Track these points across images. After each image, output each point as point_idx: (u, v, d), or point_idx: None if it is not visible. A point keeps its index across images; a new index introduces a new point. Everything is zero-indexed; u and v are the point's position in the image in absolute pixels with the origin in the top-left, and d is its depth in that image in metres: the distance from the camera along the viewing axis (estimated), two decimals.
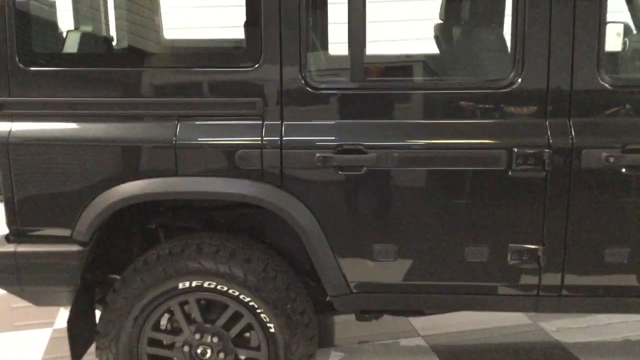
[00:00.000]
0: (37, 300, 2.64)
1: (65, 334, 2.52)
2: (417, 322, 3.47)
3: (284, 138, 2.37)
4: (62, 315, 3.53)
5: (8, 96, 2.41)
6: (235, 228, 2.75)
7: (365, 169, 2.37)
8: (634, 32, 2.81)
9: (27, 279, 2.49)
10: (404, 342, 3.30)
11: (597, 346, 3.31)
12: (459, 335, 3.36)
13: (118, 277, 2.60)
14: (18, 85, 2.40)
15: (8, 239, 2.52)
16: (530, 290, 2.47)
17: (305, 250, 2.46)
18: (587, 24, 2.30)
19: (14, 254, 2.45)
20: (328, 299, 2.54)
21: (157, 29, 3.23)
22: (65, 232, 2.45)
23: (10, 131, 2.40)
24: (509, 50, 2.40)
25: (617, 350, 3.27)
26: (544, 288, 2.46)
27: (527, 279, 2.45)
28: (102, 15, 3.12)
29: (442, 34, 3.04)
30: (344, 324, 3.50)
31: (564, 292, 2.47)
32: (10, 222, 2.46)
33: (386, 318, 2.84)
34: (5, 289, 2.57)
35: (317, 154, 2.36)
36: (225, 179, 2.39)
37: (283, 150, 2.37)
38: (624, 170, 2.34)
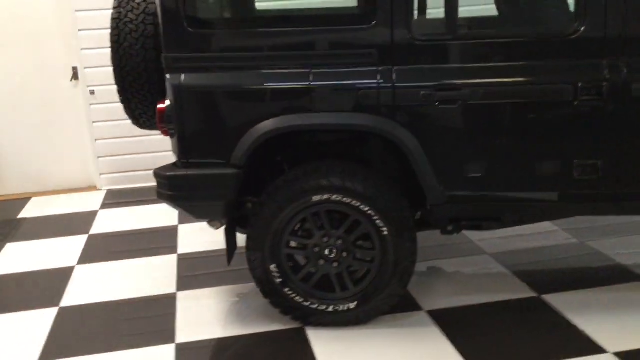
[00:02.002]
0: (200, 214, 3.38)
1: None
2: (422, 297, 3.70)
3: (394, 80, 3.04)
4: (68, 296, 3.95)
5: (180, 53, 3.13)
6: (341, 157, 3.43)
7: (459, 102, 3.03)
8: None
9: (195, 195, 3.23)
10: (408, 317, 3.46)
11: None
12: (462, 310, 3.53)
13: (252, 198, 3.30)
14: (187, 44, 3.12)
15: (177, 165, 3.26)
16: (591, 197, 3.11)
17: (401, 175, 3.12)
18: None
19: (187, 176, 3.19)
20: (428, 207, 3.21)
21: None
22: (224, 160, 3.17)
23: (181, 81, 3.12)
24: (571, 5, 3.01)
25: None
26: (601, 195, 3.10)
27: (588, 188, 3.09)
28: None
29: None
30: None
31: (618, 198, 3.10)
32: (181, 153, 3.19)
33: None
34: (177, 205, 3.31)
35: (422, 92, 3.03)
36: (351, 114, 3.07)
37: (394, 90, 3.05)
38: None
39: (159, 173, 3.29)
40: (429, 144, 3.09)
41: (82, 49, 5.83)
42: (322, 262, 3.30)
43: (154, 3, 3.47)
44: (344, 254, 3.28)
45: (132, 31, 3.41)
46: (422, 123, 3.08)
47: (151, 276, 4.13)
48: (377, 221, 3.18)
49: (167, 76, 3.16)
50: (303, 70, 3.10)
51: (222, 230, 3.46)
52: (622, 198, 3.12)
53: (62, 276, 4.21)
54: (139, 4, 3.45)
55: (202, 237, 4.68)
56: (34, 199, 5.93)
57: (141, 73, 3.44)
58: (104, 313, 3.71)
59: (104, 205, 5.64)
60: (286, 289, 3.32)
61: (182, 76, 3.14)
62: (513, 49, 3.03)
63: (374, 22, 3.03)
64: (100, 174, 6.15)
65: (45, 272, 4.31)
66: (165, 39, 3.13)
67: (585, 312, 3.37)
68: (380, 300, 3.30)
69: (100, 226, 5.12)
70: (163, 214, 5.18)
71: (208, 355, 3.26)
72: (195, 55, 3.14)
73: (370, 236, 3.25)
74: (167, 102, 3.20)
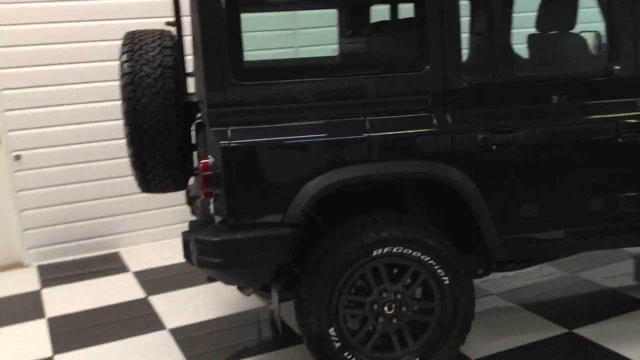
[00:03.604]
0: (246, 280, 3.08)
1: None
2: None
3: (451, 125, 3.00)
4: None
5: (226, 107, 2.88)
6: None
7: (515, 145, 3.05)
8: None
9: (246, 260, 2.94)
10: None
11: None
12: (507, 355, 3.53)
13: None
14: (233, 98, 2.87)
15: (220, 229, 2.95)
16: (636, 228, 3.24)
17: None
18: None
19: (238, 240, 2.90)
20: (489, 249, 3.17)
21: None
22: (278, 219, 2.92)
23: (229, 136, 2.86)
24: (606, 48, 3.17)
25: None
26: None
27: (632, 219, 3.22)
28: None
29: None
30: None
31: None
32: (230, 214, 2.90)
33: None
34: (224, 273, 2.99)
35: (480, 136, 3.02)
36: (411, 161, 2.98)
37: (452, 135, 3.00)
38: None
39: (202, 239, 2.96)
40: (486, 187, 3.06)
41: (5, 110, 5.22)
42: (381, 319, 3.11)
43: (170, 55, 3.20)
44: (403, 309, 3.13)
45: (150, 86, 3.11)
46: (479, 167, 3.06)
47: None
48: (439, 270, 3.08)
49: (212, 132, 2.88)
50: (357, 119, 2.96)
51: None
52: None
53: None
54: (154, 56, 3.17)
55: (182, 305, 4.32)
56: None
57: (161, 131, 3.13)
58: None
59: (45, 283, 4.99)
60: (346, 353, 3.09)
61: (229, 132, 2.88)
62: (561, 89, 3.12)
63: (427, 67, 2.99)
64: (28, 249, 5.46)
65: None
66: (209, 93, 2.87)
67: (624, 341, 3.46)
68: (442, 353, 3.17)
69: (55, 307, 4.51)
70: (122, 287, 4.75)
71: None
72: (243, 108, 2.90)
73: (430, 287, 3.13)
74: (210, 160, 2.91)
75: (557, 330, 3.66)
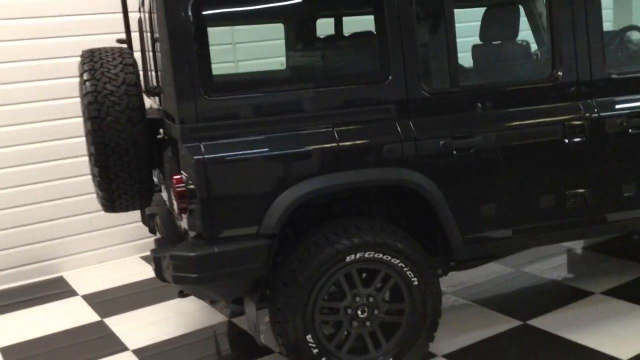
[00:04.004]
0: (223, 294, 3.10)
1: None
2: None
3: (415, 133, 3.15)
4: None
5: (197, 123, 2.91)
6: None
7: (473, 149, 3.23)
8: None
9: (225, 273, 2.97)
10: None
11: None
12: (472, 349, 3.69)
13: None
14: (205, 113, 2.91)
15: (195, 243, 2.97)
16: (581, 222, 3.48)
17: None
18: (596, 37, 3.39)
19: (217, 254, 2.92)
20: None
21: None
22: (253, 231, 2.97)
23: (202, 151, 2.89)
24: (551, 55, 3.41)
25: None
26: (591, 220, 3.49)
27: (578, 214, 3.46)
28: None
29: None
30: None
31: (602, 221, 3.51)
32: (208, 228, 2.92)
33: None
34: (202, 287, 3.01)
35: (441, 142, 3.18)
36: (380, 169, 3.10)
37: (416, 142, 3.15)
38: (631, 131, 3.45)
39: (178, 254, 2.97)
40: (448, 190, 3.22)
41: None
42: (355, 323, 3.21)
43: (132, 72, 3.21)
44: (375, 311, 3.24)
45: (114, 104, 3.10)
46: (441, 171, 3.21)
47: None
48: (408, 272, 3.21)
49: (184, 148, 2.91)
50: (326, 130, 3.06)
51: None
52: (604, 220, 3.53)
53: None
54: (116, 74, 3.16)
55: (141, 325, 4.28)
56: None
57: (128, 149, 3.13)
58: None
59: None
60: (323, 359, 3.17)
61: (202, 147, 2.91)
62: (510, 95, 3.33)
63: (389, 78, 3.13)
64: None
65: None
66: (180, 109, 2.90)
67: (574, 329, 3.70)
68: (414, 352, 3.30)
69: (6, 337, 4.34)
70: (73, 311, 4.66)
71: None
72: (215, 123, 2.94)
73: (400, 288, 3.25)
74: (183, 175, 2.93)
75: (512, 323, 3.86)
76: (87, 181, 5.40)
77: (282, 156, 3.01)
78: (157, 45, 3.20)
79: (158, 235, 3.80)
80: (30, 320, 4.59)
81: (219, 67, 3.03)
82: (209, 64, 2.93)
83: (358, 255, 3.12)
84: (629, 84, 3.52)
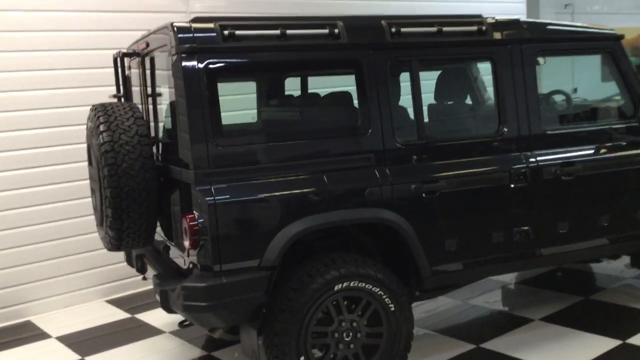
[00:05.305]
0: (228, 320, 3.48)
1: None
2: None
3: (391, 178, 3.69)
4: None
5: (210, 168, 3.34)
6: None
7: (438, 192, 3.80)
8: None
9: (231, 302, 3.36)
10: None
11: None
12: None
13: None
14: (216, 160, 3.35)
15: (201, 275, 3.36)
16: (527, 255, 4.09)
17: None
18: (533, 100, 4.08)
19: (224, 284, 3.32)
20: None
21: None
22: (255, 263, 3.39)
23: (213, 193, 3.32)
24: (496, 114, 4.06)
25: None
26: (533, 253, 4.11)
27: (524, 247, 4.07)
28: None
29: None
30: None
31: (543, 254, 4.14)
32: (215, 261, 3.32)
33: None
34: (211, 315, 3.37)
35: (412, 186, 3.73)
36: (363, 209, 3.60)
37: (392, 186, 3.69)
38: (563, 177, 4.13)
39: (189, 286, 3.34)
40: (419, 227, 3.75)
41: None
42: (341, 345, 3.64)
43: (143, 125, 3.61)
44: (358, 335, 3.68)
45: (129, 152, 3.48)
46: (412, 211, 3.74)
47: None
48: (386, 299, 3.69)
49: (197, 191, 3.32)
50: (317, 176, 3.55)
51: None
52: (544, 254, 4.16)
53: None
54: (129, 126, 3.55)
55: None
56: None
57: (140, 192, 3.50)
58: None
59: None
60: None
61: (212, 189, 3.33)
62: (466, 148, 3.94)
63: (369, 131, 3.67)
64: None
65: None
66: (195, 156, 3.32)
67: (521, 349, 4.26)
68: None
69: None
70: (50, 352, 4.82)
71: None
72: (224, 169, 3.37)
73: (379, 314, 3.72)
74: (196, 214, 3.33)
75: (467, 347, 4.39)
76: (53, 227, 5.66)
77: (280, 198, 3.47)
78: (158, 99, 3.63)
79: (149, 274, 4.13)
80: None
81: (226, 118, 3.48)
82: (220, 116, 3.38)
83: (344, 284, 3.58)
84: (560, 138, 4.21)
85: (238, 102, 4.14)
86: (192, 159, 3.33)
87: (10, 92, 5.40)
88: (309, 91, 4.47)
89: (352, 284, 3.60)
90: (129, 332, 5.09)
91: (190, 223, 3.30)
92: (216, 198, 3.32)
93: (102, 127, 3.52)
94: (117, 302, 5.83)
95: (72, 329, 5.25)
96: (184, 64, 3.33)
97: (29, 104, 5.44)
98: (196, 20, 3.44)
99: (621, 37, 4.47)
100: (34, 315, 5.60)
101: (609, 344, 4.24)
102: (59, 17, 5.58)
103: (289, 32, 3.50)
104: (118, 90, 4.40)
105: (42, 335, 5.19)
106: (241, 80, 4.47)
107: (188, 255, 3.49)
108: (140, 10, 5.99)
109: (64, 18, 5.60)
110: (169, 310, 3.56)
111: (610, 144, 4.38)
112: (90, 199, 5.44)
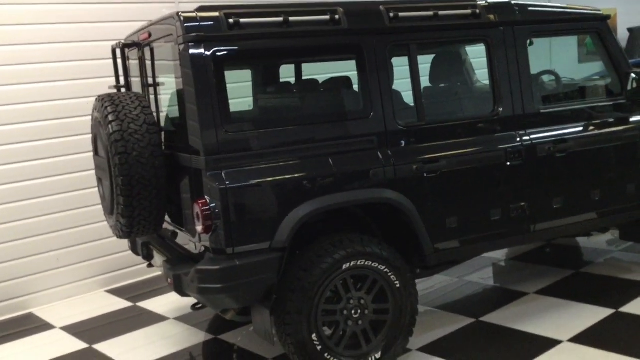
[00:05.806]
0: (241, 301, 3.58)
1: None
2: None
3: (393, 159, 3.80)
4: None
5: (220, 154, 3.42)
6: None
7: (440, 172, 3.92)
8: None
9: (243, 284, 3.46)
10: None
11: None
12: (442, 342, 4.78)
13: None
14: (225, 147, 3.44)
15: (213, 258, 3.45)
16: (523, 230, 4.25)
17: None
18: (526, 81, 4.21)
19: (238, 266, 3.41)
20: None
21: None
22: (267, 245, 3.49)
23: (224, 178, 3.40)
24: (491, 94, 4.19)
25: None
26: (529, 228, 4.26)
27: (519, 223, 4.22)
28: None
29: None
30: None
31: (538, 229, 4.30)
32: (228, 243, 3.41)
33: None
34: (224, 296, 3.47)
35: (414, 166, 3.85)
36: (368, 190, 3.72)
37: (395, 167, 3.80)
38: (556, 154, 4.28)
39: (204, 269, 3.43)
40: (420, 206, 3.88)
41: None
42: (350, 322, 3.76)
43: (150, 114, 3.68)
44: (366, 312, 3.81)
45: (138, 141, 3.55)
46: (415, 190, 3.87)
47: None
48: (392, 277, 3.81)
49: (208, 176, 3.40)
50: (323, 159, 3.65)
51: None
52: (539, 228, 4.31)
53: None
54: (137, 115, 3.62)
55: (136, 347, 4.58)
56: None
57: (151, 180, 3.58)
58: None
59: None
60: (326, 354, 3.69)
61: (223, 174, 3.42)
62: (463, 128, 4.07)
63: (371, 114, 3.78)
64: None
65: None
66: (205, 143, 3.40)
67: (519, 321, 4.43)
68: (398, 344, 3.89)
69: None
70: (56, 342, 4.88)
71: None
72: (234, 154, 3.46)
73: (385, 291, 3.85)
74: (208, 199, 3.41)
75: (467, 321, 4.54)
76: (52, 219, 5.70)
77: (289, 181, 3.56)
78: (158, 88, 3.71)
79: (156, 261, 4.21)
80: (13, 353, 4.78)
81: (234, 105, 3.56)
82: (228, 103, 3.46)
83: (352, 263, 3.69)
84: (553, 117, 4.36)
85: (244, 90, 4.21)
86: (202, 146, 3.41)
87: (7, 86, 5.43)
88: (310, 77, 4.56)
89: (359, 263, 3.71)
90: (133, 319, 5.17)
91: (203, 208, 3.39)
92: (227, 183, 3.40)
93: (110, 117, 3.58)
94: (117, 292, 5.90)
95: (75, 319, 5.32)
96: (191, 52, 3.40)
97: (26, 97, 5.47)
98: (201, 9, 3.51)
99: (607, 17, 4.63)
100: (35, 307, 5.65)
101: (603, 312, 4.42)
102: (47, 10, 5.60)
103: (291, 19, 3.58)
104: (118, 81, 4.45)
105: (46, 326, 5.25)
106: (246, 67, 4.54)
107: (200, 240, 3.58)
108: (130, 2, 6.02)
109: (52, 11, 5.62)
110: (183, 293, 3.65)
111: (599, 121, 4.55)
112: (89, 191, 5.59)
